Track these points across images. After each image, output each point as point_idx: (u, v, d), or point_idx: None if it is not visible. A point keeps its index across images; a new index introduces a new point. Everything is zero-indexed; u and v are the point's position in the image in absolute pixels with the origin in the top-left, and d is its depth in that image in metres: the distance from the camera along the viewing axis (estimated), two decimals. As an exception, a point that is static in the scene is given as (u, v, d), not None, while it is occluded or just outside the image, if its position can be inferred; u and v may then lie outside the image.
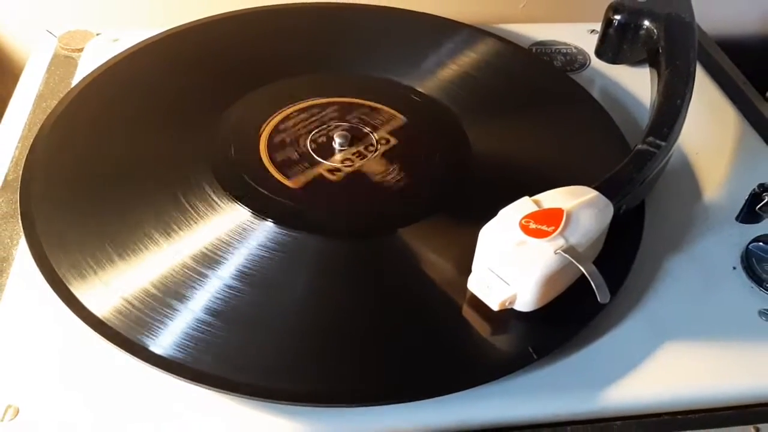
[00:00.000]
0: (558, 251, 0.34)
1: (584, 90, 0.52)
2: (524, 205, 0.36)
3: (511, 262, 0.35)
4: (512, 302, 0.36)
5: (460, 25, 0.57)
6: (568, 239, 0.35)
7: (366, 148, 0.45)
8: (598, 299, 0.34)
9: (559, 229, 0.35)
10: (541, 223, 0.35)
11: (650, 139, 0.42)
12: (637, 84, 0.55)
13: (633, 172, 0.40)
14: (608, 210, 0.37)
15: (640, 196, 0.42)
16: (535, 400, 0.35)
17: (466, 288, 0.37)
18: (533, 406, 0.35)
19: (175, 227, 0.39)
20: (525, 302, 0.35)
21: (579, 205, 0.36)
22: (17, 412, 0.33)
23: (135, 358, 0.34)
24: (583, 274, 0.34)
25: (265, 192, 0.41)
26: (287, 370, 0.34)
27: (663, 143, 0.41)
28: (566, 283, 0.37)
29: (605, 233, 0.37)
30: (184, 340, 0.34)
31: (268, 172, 0.43)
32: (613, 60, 0.57)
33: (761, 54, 0.75)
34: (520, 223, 0.35)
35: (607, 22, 0.55)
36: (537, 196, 0.37)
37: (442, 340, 0.36)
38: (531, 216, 0.35)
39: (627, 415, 0.35)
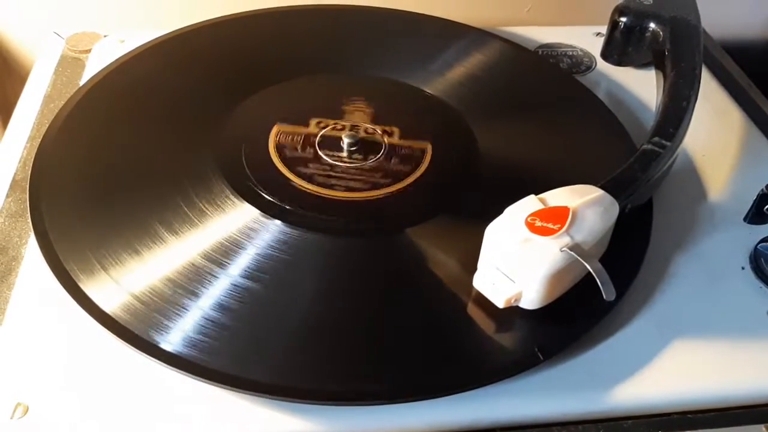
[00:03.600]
0: (563, 249, 0.34)
1: (590, 92, 0.52)
2: (530, 203, 0.36)
3: (517, 259, 0.35)
4: (518, 300, 0.36)
5: (467, 28, 0.57)
6: (573, 237, 0.35)
7: (374, 148, 0.45)
8: (604, 297, 0.34)
9: (565, 227, 0.35)
10: (547, 221, 0.35)
11: (656, 139, 0.42)
12: (642, 86, 0.55)
13: (638, 171, 0.40)
14: (614, 208, 0.37)
15: (646, 195, 0.42)
16: (544, 400, 0.35)
17: (472, 286, 0.37)
18: (542, 405, 0.35)
19: (184, 225, 0.39)
20: (530, 300, 0.36)
21: (584, 204, 0.36)
22: (26, 410, 0.33)
23: (145, 355, 0.34)
24: (589, 272, 0.34)
25: (275, 190, 0.41)
26: (295, 369, 0.34)
27: (668, 143, 0.41)
28: (572, 281, 0.37)
29: (611, 232, 0.37)
30: (194, 337, 0.35)
31: (278, 170, 0.43)
32: (619, 62, 0.57)
33: (765, 57, 0.75)
34: (526, 221, 0.35)
35: (613, 25, 0.55)
36: (543, 195, 0.37)
37: (449, 339, 0.36)
38: (537, 214, 0.35)
39: (637, 415, 0.35)
